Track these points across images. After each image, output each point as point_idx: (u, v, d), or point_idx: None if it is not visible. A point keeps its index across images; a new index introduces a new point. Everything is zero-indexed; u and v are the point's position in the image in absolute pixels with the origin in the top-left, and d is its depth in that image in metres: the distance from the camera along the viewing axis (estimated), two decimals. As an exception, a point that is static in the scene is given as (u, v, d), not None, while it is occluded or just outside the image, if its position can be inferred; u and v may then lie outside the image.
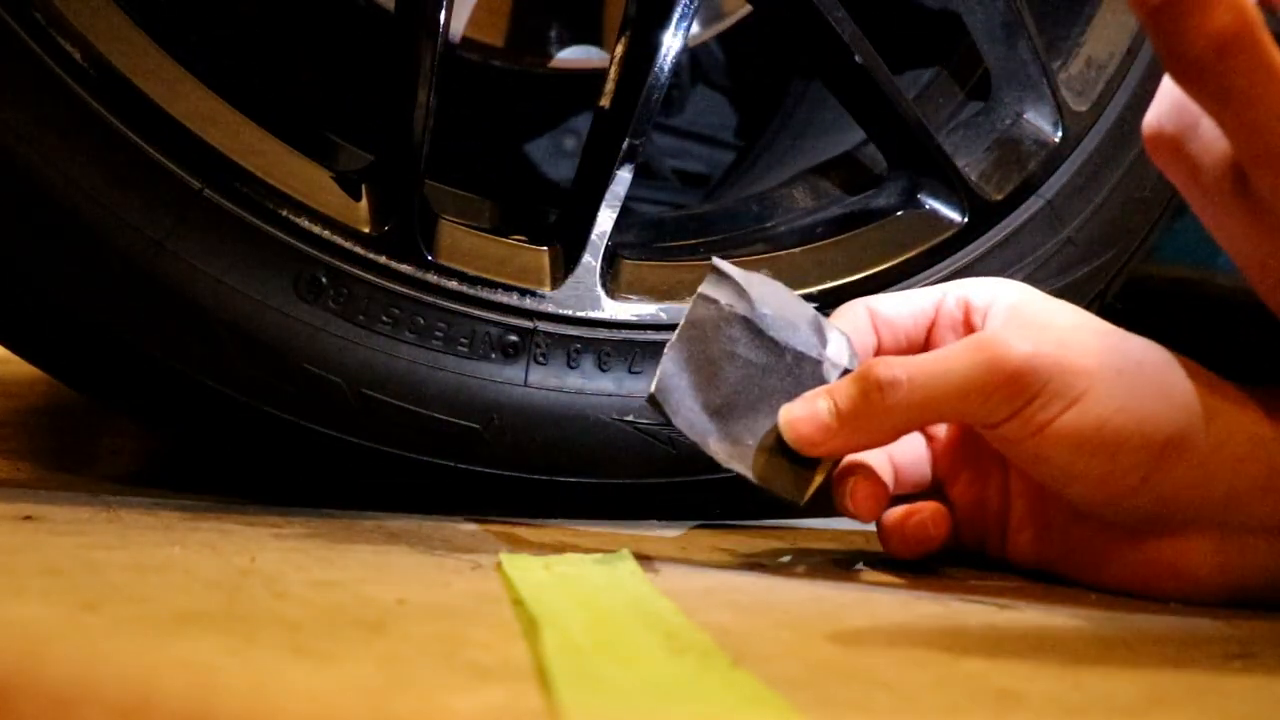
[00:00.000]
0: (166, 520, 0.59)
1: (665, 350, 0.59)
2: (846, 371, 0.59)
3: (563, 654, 0.41)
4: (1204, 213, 0.55)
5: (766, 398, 0.58)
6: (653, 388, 0.58)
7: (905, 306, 0.63)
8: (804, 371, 0.59)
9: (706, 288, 0.59)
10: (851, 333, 0.61)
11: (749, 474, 0.58)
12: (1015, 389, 0.55)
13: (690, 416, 0.58)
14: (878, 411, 0.56)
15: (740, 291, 0.59)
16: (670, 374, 0.58)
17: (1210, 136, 0.52)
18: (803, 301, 0.61)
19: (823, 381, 0.59)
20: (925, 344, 0.63)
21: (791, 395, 0.58)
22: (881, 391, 0.56)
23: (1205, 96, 0.49)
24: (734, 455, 0.58)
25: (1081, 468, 0.56)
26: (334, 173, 0.65)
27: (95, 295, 0.59)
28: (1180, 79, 0.49)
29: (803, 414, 0.58)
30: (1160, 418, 0.55)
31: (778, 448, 0.58)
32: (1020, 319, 0.58)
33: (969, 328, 0.61)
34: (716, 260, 0.60)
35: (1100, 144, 0.80)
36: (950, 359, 0.56)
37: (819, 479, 0.59)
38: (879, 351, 0.62)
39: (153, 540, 0.55)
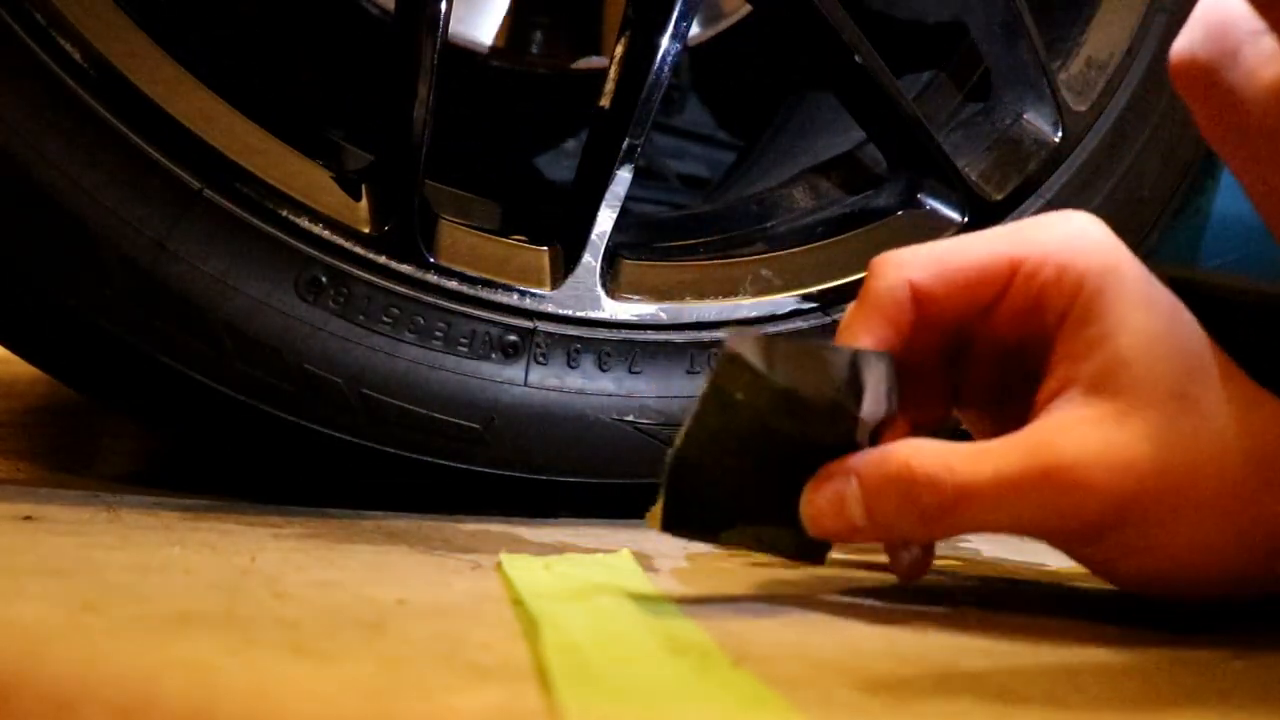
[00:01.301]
0: (166, 520, 0.59)
1: (666, 473, 0.50)
2: (881, 424, 0.51)
3: (563, 654, 0.41)
4: (1233, 149, 0.50)
5: (781, 480, 0.51)
6: (659, 526, 0.51)
7: (960, 277, 0.52)
8: (833, 442, 0.50)
9: (719, 381, 0.49)
10: (891, 330, 0.52)
11: (761, 550, 0.53)
12: (1085, 533, 0.48)
13: (702, 525, 0.52)
14: (911, 515, 0.48)
15: (757, 380, 0.48)
16: (671, 501, 0.51)
17: (1254, 63, 0.47)
18: (836, 349, 0.51)
19: (852, 446, 0.50)
20: (985, 319, 0.53)
21: (814, 469, 0.51)
22: (918, 491, 0.48)
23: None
24: (746, 537, 0.52)
25: (1160, 591, 0.51)
26: (334, 173, 0.65)
27: (95, 295, 0.59)
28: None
29: (827, 509, 0.50)
30: (1257, 539, 0.48)
31: (790, 520, 0.51)
32: (1115, 386, 0.48)
33: (1041, 325, 0.51)
34: (729, 340, 0.49)
35: (1100, 144, 0.80)
36: (1007, 471, 0.47)
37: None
38: (915, 333, 0.52)
39: (153, 540, 0.55)
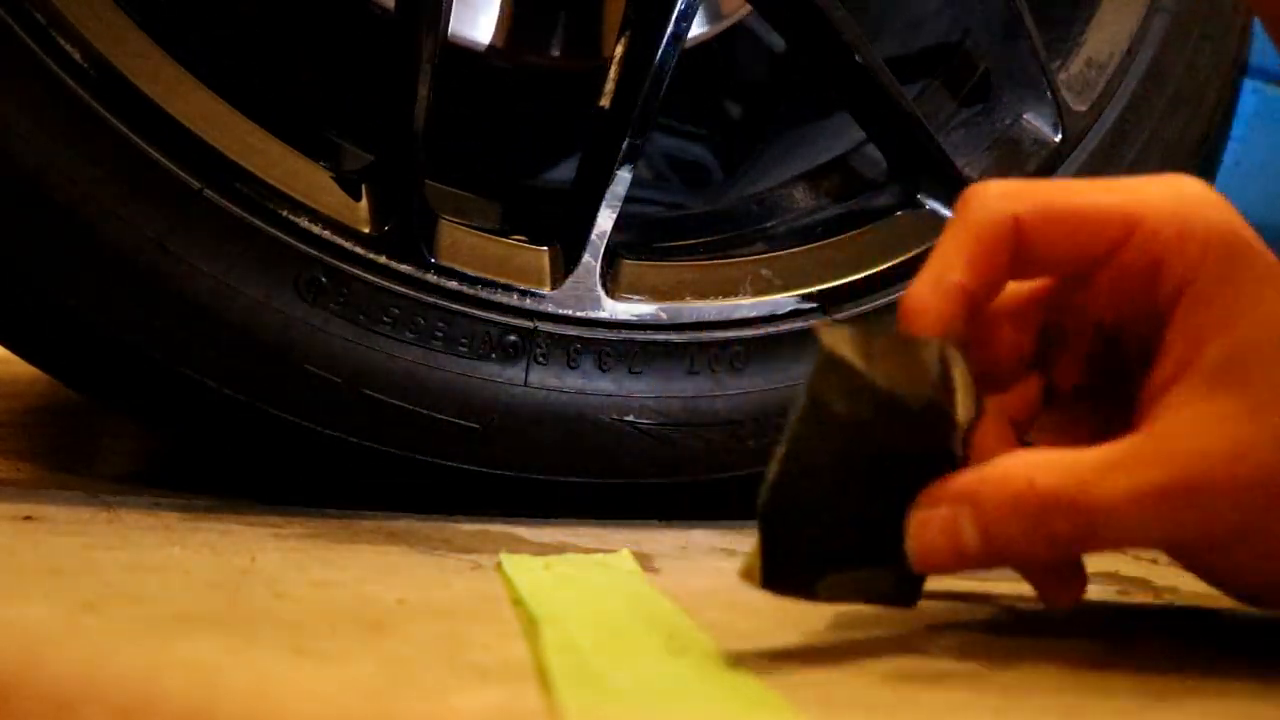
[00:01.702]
0: (166, 520, 0.59)
1: (761, 515, 0.43)
2: (971, 428, 0.45)
3: (563, 654, 0.41)
4: None
5: (879, 502, 0.44)
6: (760, 583, 0.43)
7: (1071, 224, 0.45)
8: (929, 451, 0.44)
9: (818, 391, 0.43)
10: (994, 270, 0.45)
11: (858, 600, 0.45)
12: (1212, 545, 0.44)
13: (796, 576, 0.44)
14: (1041, 540, 0.43)
15: (857, 381, 0.43)
16: (769, 546, 0.43)
17: None
18: (926, 341, 0.44)
19: (949, 456, 0.44)
20: (1086, 285, 0.47)
21: (911, 490, 0.44)
22: (1049, 515, 0.42)
23: None
24: (843, 587, 0.45)
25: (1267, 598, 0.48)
26: (334, 173, 0.65)
27: (95, 295, 0.59)
28: None
29: (940, 541, 0.44)
30: None
31: (886, 555, 0.45)
32: (1244, 376, 0.43)
33: (1152, 297, 0.45)
34: (824, 336, 0.43)
35: (1100, 144, 0.80)
36: (1145, 485, 0.42)
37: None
38: (1013, 273, 0.46)
39: (153, 540, 0.55)
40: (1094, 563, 0.67)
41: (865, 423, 0.43)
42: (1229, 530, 0.43)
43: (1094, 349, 0.48)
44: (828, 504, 0.43)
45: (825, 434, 0.43)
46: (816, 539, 0.44)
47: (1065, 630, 0.51)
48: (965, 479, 0.44)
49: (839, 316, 0.73)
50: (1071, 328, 0.48)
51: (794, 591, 0.44)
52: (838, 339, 0.43)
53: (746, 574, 0.44)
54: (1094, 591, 0.59)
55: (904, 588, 0.46)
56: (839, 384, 0.43)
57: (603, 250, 0.69)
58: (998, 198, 0.46)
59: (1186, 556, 0.47)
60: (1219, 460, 0.42)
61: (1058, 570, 0.48)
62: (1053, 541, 0.42)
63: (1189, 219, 0.44)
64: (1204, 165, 0.89)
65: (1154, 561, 0.68)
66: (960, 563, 0.44)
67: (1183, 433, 0.43)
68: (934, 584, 0.58)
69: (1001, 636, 0.49)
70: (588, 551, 0.59)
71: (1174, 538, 0.44)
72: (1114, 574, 0.64)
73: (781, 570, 0.43)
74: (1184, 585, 0.63)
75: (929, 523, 0.44)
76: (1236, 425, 0.42)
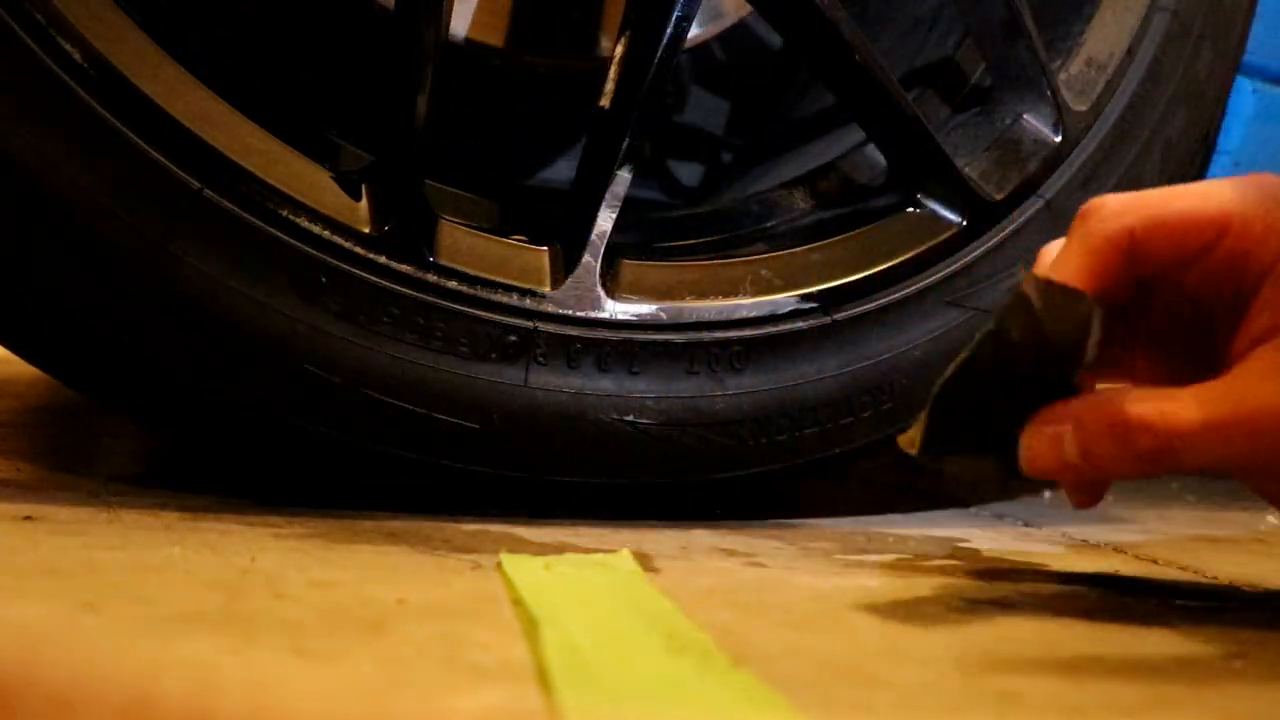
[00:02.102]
0: (166, 520, 0.59)
1: (932, 400, 0.54)
2: (1087, 368, 0.54)
3: (563, 654, 0.41)
4: None
5: (1012, 409, 0.54)
6: (917, 450, 0.55)
7: (1175, 231, 0.54)
8: (1058, 379, 0.54)
9: (1002, 320, 0.53)
10: (1111, 282, 0.54)
11: (965, 484, 0.57)
12: (1271, 485, 0.53)
13: (939, 451, 0.56)
14: (1127, 458, 0.51)
15: (1032, 320, 0.52)
16: (930, 427, 0.55)
17: None
18: (1085, 298, 0.53)
19: (1069, 386, 0.54)
20: (1183, 271, 0.54)
21: (1035, 406, 0.54)
22: (1134, 436, 0.51)
23: None
24: (962, 468, 0.57)
25: None
26: (334, 173, 0.65)
27: (95, 295, 0.59)
28: None
29: (1045, 450, 0.53)
30: None
31: (1000, 451, 0.55)
32: None
33: (1239, 281, 0.53)
34: (1026, 283, 0.53)
35: (1100, 144, 0.80)
36: (1217, 416, 0.50)
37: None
38: (1116, 283, 0.54)
39: (153, 540, 0.55)
40: (1094, 563, 0.67)
41: (1026, 347, 0.53)
42: None
43: (1182, 315, 0.56)
44: (980, 402, 0.54)
45: (997, 351, 0.53)
46: (964, 426, 0.55)
47: (1065, 630, 0.51)
48: (1073, 404, 0.53)
49: (839, 317, 0.73)
50: (1165, 297, 0.56)
51: (933, 460, 0.56)
52: (1031, 284, 0.52)
53: (907, 442, 0.55)
54: (1095, 591, 0.59)
55: (1008, 485, 0.60)
56: (1019, 317, 0.52)
57: (603, 250, 0.69)
58: (1115, 214, 0.54)
59: (1254, 481, 0.54)
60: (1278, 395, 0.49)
61: (1094, 486, 0.57)
62: (1138, 458, 0.51)
63: (1273, 215, 0.52)
64: (1203, 164, 0.89)
65: (1154, 562, 0.68)
66: (1060, 467, 0.53)
67: (1257, 379, 0.50)
68: (934, 584, 0.58)
69: (1001, 637, 0.49)
70: (588, 551, 0.59)
71: (1241, 461, 0.51)
72: (1114, 574, 0.64)
73: (932, 444, 0.55)
74: (1184, 585, 0.63)
75: (1040, 432, 0.53)
76: None
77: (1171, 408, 0.50)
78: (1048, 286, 0.52)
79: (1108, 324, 0.55)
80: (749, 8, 0.89)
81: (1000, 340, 0.53)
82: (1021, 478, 0.55)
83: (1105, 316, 0.54)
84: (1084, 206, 0.55)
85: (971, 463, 0.57)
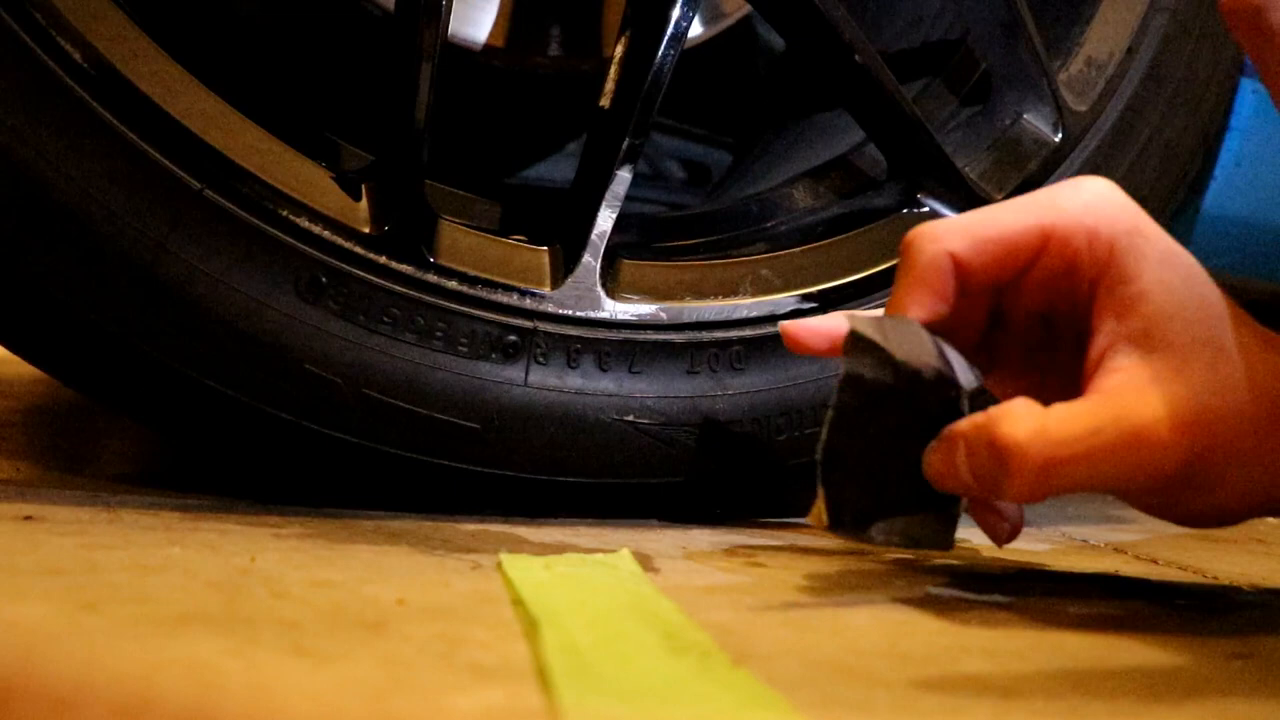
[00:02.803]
0: (166, 520, 0.59)
1: (820, 465, 0.53)
2: (973, 394, 0.55)
3: (563, 654, 0.41)
4: (1275, 81, 0.50)
5: (909, 454, 0.54)
6: (826, 524, 0.53)
7: (995, 248, 0.55)
8: (942, 410, 0.54)
9: (851, 365, 0.53)
10: (940, 301, 0.55)
11: (905, 544, 0.55)
12: (1156, 487, 0.51)
13: (853, 518, 0.54)
14: (1004, 477, 0.50)
15: (880, 355, 0.53)
16: (830, 492, 0.53)
17: None
18: (919, 327, 0.55)
19: (960, 415, 0.54)
20: (1017, 286, 0.56)
21: (926, 441, 0.54)
22: (1008, 456, 0.49)
23: None
24: (893, 531, 0.54)
25: (1211, 525, 0.55)
26: (334, 173, 0.65)
27: (95, 295, 0.59)
28: None
29: (942, 469, 0.53)
30: None
31: (921, 502, 0.54)
32: (1164, 339, 0.50)
33: (1073, 289, 0.54)
34: (853, 322, 0.54)
35: (1100, 144, 0.80)
36: (1095, 436, 0.49)
37: (958, 516, 0.56)
38: (957, 302, 0.56)
39: (153, 540, 0.55)
40: (1094, 563, 0.67)
41: (891, 388, 0.53)
42: (1172, 474, 0.50)
43: (1029, 329, 0.57)
44: (871, 458, 0.53)
45: (860, 400, 0.53)
46: (866, 488, 0.53)
47: (1065, 630, 0.51)
48: (962, 424, 0.52)
49: (839, 316, 0.73)
50: (1011, 315, 0.57)
51: (853, 535, 0.54)
52: (862, 324, 0.53)
53: (815, 518, 0.53)
54: (1095, 591, 0.59)
55: (940, 534, 0.55)
56: (864, 356, 0.53)
57: (603, 250, 0.69)
58: (933, 240, 0.55)
59: (1135, 497, 0.54)
60: (1162, 414, 0.49)
61: (1003, 515, 0.59)
62: (1014, 478, 0.49)
63: (1094, 221, 0.53)
64: (1204, 164, 0.89)
65: (1154, 562, 0.68)
66: (963, 488, 0.52)
67: (1124, 390, 0.50)
68: (934, 584, 0.58)
69: (1001, 637, 0.49)
70: (588, 551, 0.59)
71: (1121, 480, 0.50)
72: (1114, 574, 0.64)
73: (840, 515, 0.53)
74: (1184, 585, 0.63)
75: (936, 452, 0.53)
76: (1168, 383, 0.50)
77: (1051, 427, 0.49)
78: (875, 321, 0.53)
79: (975, 346, 0.56)
80: (749, 8, 0.89)
81: (857, 386, 0.53)
82: (953, 527, 0.55)
83: (966, 340, 0.55)
84: (906, 236, 0.56)
85: (907, 523, 0.54)
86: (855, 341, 0.53)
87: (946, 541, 0.55)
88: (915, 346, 0.53)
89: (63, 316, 0.60)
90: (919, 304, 0.55)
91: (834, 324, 0.62)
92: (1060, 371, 0.57)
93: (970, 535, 0.72)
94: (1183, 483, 0.50)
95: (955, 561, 0.65)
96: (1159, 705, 0.42)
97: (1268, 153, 0.93)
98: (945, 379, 0.53)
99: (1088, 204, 0.54)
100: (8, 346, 0.63)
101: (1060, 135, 0.79)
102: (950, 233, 0.55)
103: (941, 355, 0.54)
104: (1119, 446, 0.49)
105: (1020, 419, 0.50)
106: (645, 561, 0.58)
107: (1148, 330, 0.51)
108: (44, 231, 0.58)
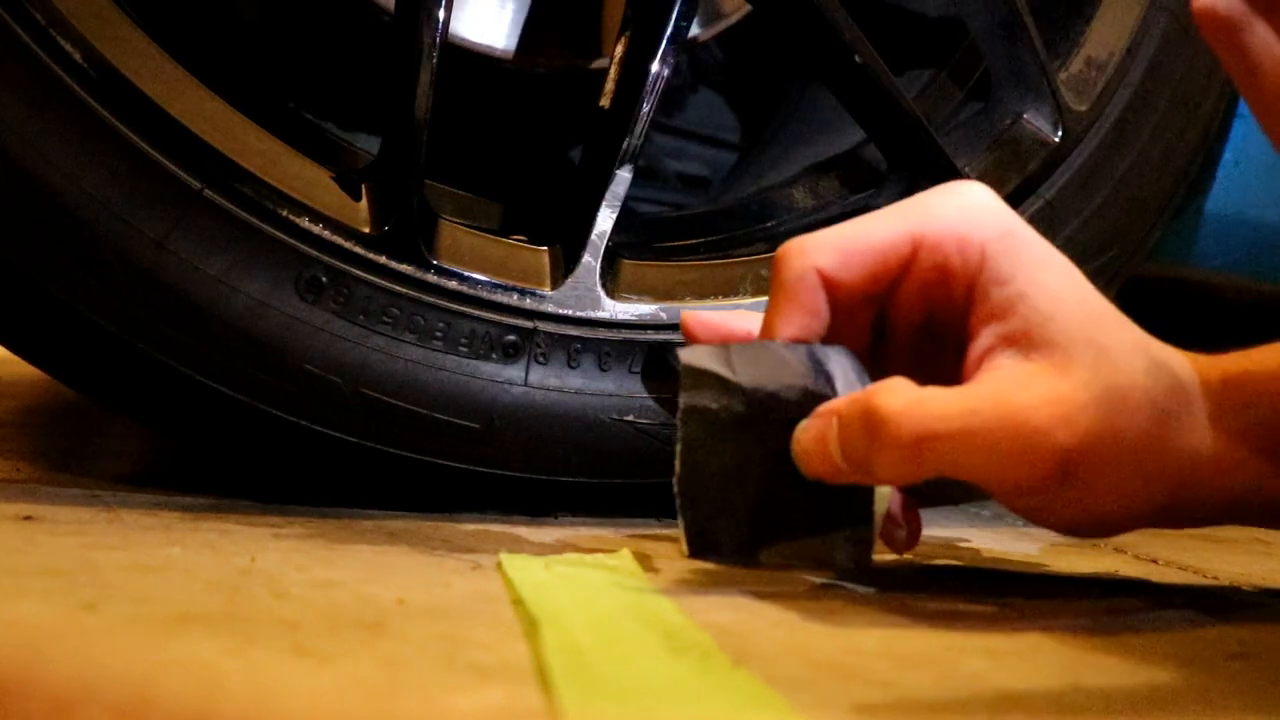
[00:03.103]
0: (166, 520, 0.59)
1: (677, 499, 0.53)
2: None
3: (563, 654, 0.41)
4: (1261, 112, 0.49)
5: (791, 477, 0.52)
6: (686, 551, 0.53)
7: (864, 259, 0.54)
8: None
9: (689, 398, 0.52)
10: (810, 316, 0.54)
11: (808, 566, 0.54)
12: (1034, 486, 0.50)
13: (732, 546, 0.53)
14: (878, 453, 0.49)
15: (722, 383, 0.52)
16: (691, 522, 0.53)
17: (1269, 37, 0.47)
18: (794, 345, 0.54)
19: None
20: (894, 295, 0.55)
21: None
22: (882, 427, 0.49)
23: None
24: (787, 554, 0.53)
25: (1088, 534, 0.55)
26: (334, 173, 0.65)
27: (95, 295, 0.59)
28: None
29: (812, 447, 0.52)
30: (1168, 473, 0.51)
31: (824, 522, 0.53)
32: (1044, 339, 0.50)
33: (949, 295, 0.54)
34: (682, 356, 0.53)
35: (1100, 144, 0.80)
36: (974, 417, 0.48)
37: (877, 531, 0.54)
38: (833, 315, 0.55)
39: (153, 540, 0.55)
40: (1094, 563, 0.67)
41: (744, 415, 0.52)
42: (1049, 472, 0.49)
43: (913, 340, 0.57)
44: (739, 485, 0.52)
45: (708, 430, 0.52)
46: (741, 516, 0.53)
47: (1065, 630, 0.51)
48: (837, 400, 0.52)
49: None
50: (894, 326, 0.56)
51: (732, 561, 0.53)
52: (696, 354, 0.53)
53: (680, 548, 0.54)
54: (1095, 591, 0.59)
55: (849, 553, 0.53)
56: (704, 385, 0.52)
57: (603, 250, 0.69)
58: (799, 255, 0.54)
59: (1009, 496, 0.52)
60: (1043, 407, 0.48)
61: (897, 520, 0.58)
62: (888, 453, 0.48)
63: (965, 228, 0.53)
64: (1204, 164, 0.89)
65: (1154, 561, 0.68)
66: (832, 469, 0.51)
67: (1005, 380, 0.50)
68: (934, 584, 0.58)
69: (1001, 637, 0.49)
70: (588, 551, 0.59)
71: (997, 471, 0.49)
72: (1114, 574, 0.64)
73: (706, 544, 0.53)
74: (1184, 585, 0.63)
75: (807, 431, 0.52)
76: (1049, 379, 0.49)
77: (929, 403, 0.49)
78: (716, 350, 0.52)
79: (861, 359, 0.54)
80: (749, 7, 0.89)
81: (701, 417, 0.52)
82: (867, 547, 0.53)
83: (856, 354, 0.54)
84: (777, 252, 0.55)
85: (805, 545, 0.53)
86: (688, 374, 0.52)
87: (860, 560, 0.54)
88: (772, 368, 0.52)
89: (62, 316, 0.60)
90: (788, 321, 0.54)
91: (730, 321, 0.61)
92: (948, 380, 0.54)
93: (970, 535, 0.72)
94: (1060, 482, 0.49)
95: (955, 561, 0.65)
96: (1159, 705, 0.42)
97: (1268, 153, 0.93)
98: (816, 395, 0.52)
99: (958, 210, 0.54)
100: (8, 346, 0.63)
101: (1060, 135, 0.79)
102: (818, 247, 0.54)
103: (816, 370, 0.52)
104: (995, 429, 0.48)
105: (897, 392, 0.49)
106: (645, 561, 0.58)
107: (1027, 330, 0.50)
108: (44, 231, 0.58)
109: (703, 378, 0.52)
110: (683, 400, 0.52)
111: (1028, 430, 0.48)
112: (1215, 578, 0.65)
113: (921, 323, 0.56)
